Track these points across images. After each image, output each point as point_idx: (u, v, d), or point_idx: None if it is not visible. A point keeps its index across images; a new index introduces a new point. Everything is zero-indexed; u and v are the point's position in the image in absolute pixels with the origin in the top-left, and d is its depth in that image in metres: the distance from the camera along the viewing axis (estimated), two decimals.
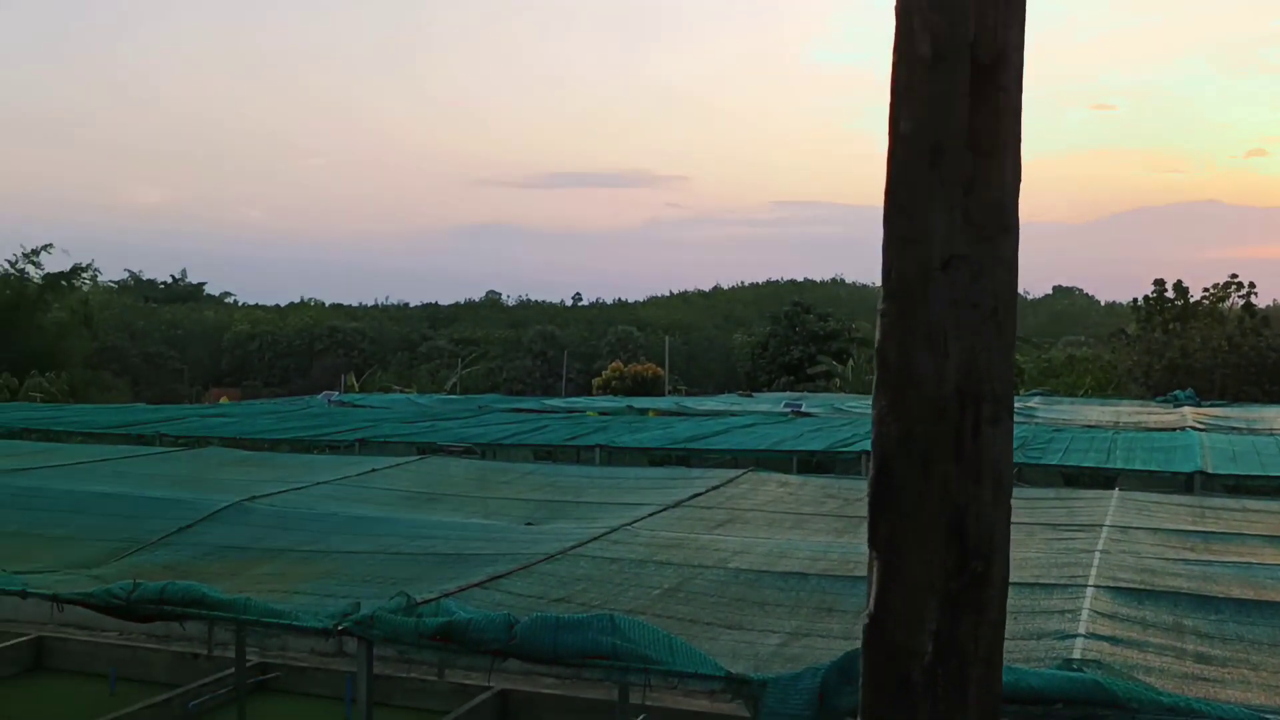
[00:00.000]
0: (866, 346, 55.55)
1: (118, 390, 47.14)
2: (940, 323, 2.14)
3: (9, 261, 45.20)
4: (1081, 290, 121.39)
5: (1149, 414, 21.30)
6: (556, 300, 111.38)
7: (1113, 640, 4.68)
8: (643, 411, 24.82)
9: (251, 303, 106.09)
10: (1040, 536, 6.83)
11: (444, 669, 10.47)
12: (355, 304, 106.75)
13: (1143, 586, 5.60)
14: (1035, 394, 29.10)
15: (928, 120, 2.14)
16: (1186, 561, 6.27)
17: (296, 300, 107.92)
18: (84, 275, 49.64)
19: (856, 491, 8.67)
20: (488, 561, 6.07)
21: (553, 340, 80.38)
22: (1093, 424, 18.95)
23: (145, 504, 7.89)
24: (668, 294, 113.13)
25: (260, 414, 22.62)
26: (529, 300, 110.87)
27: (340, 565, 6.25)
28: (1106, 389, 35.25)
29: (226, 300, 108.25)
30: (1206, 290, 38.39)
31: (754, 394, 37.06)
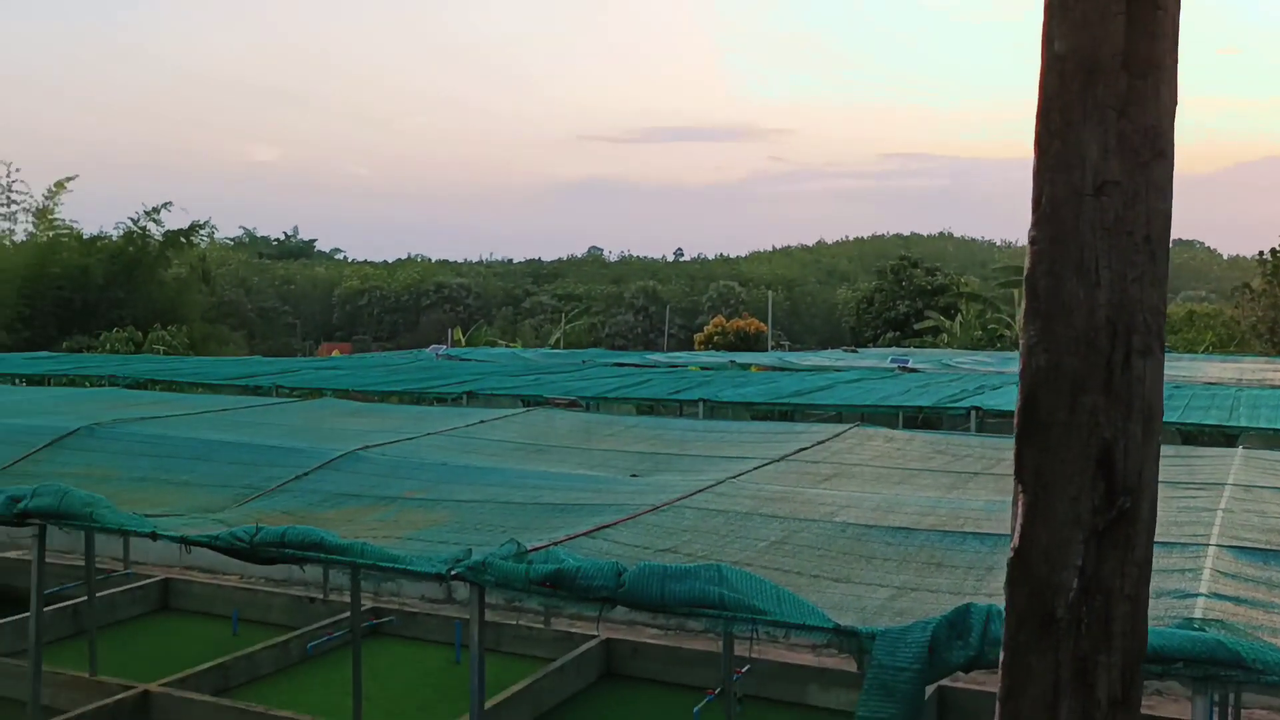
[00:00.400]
0: (975, 301, 54.35)
1: (234, 344, 48.82)
2: (1091, 250, 2.07)
3: (131, 219, 46.79)
4: (1202, 243, 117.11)
5: (1275, 371, 20.50)
6: (658, 256, 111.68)
7: (1236, 600, 4.53)
8: (745, 367, 24.75)
9: (360, 259, 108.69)
10: (1160, 494, 6.62)
11: (550, 617, 10.65)
12: (460, 260, 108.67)
13: (1269, 546, 5.40)
14: None
15: (1082, 40, 2.06)
16: None
17: (404, 256, 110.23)
18: (201, 232, 51.15)
19: (965, 448, 8.50)
20: (594, 512, 6.13)
21: (654, 296, 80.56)
22: (1214, 381, 18.32)
23: (264, 452, 8.13)
24: (770, 249, 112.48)
25: (371, 367, 23.22)
26: (630, 256, 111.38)
27: (451, 513, 6.36)
28: (1229, 346, 34.04)
29: (336, 256, 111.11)
30: None
31: (859, 349, 36.65)
